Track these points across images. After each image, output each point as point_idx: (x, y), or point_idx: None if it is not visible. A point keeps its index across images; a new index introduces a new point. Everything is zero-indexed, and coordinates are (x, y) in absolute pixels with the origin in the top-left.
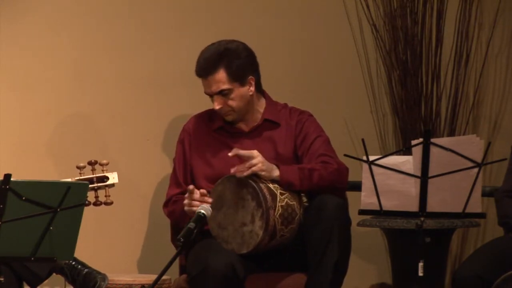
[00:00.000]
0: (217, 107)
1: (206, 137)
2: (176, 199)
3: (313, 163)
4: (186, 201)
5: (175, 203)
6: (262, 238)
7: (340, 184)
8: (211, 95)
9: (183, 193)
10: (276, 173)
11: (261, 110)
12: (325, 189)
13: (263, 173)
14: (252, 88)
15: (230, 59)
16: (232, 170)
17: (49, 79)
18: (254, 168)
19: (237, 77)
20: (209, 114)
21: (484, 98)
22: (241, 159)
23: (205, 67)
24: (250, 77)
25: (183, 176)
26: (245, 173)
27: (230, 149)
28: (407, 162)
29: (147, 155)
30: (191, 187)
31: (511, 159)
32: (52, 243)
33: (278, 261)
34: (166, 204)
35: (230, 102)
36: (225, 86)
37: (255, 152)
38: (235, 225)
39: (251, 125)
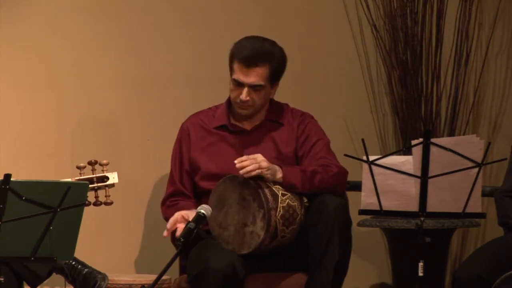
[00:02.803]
0: (245, 97)
1: (207, 135)
2: (170, 204)
3: (314, 166)
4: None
5: (169, 208)
6: (263, 239)
7: (340, 187)
8: (241, 84)
9: (178, 192)
10: (279, 175)
11: (265, 109)
12: (326, 191)
13: (268, 176)
14: (274, 92)
15: (275, 61)
16: (239, 168)
17: (49, 79)
18: (261, 170)
19: (273, 79)
20: (210, 113)
21: (484, 98)
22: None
23: (253, 57)
24: (277, 82)
25: (178, 175)
26: (253, 173)
27: (233, 147)
28: (407, 162)
29: (147, 155)
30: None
31: (511, 159)
32: (52, 243)
33: (279, 261)
34: (163, 203)
35: (256, 98)
36: (263, 82)
37: (259, 156)
38: (236, 225)
39: (254, 123)
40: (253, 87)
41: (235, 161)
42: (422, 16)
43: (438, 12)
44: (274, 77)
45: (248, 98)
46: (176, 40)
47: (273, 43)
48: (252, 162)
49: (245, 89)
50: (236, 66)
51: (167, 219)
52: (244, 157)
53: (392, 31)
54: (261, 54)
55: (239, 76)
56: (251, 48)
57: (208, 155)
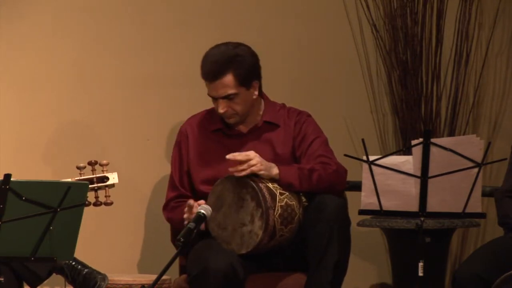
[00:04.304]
0: (221, 110)
1: (204, 139)
2: (174, 205)
3: (312, 164)
4: (185, 216)
5: (173, 210)
6: (261, 238)
7: (339, 185)
8: (215, 98)
9: (179, 196)
10: (275, 171)
11: (260, 111)
12: (324, 189)
13: (262, 172)
14: (256, 92)
15: (238, 64)
16: (231, 169)
17: (49, 79)
18: (253, 168)
19: (244, 82)
20: (207, 115)
21: (484, 98)
22: (240, 162)
23: (213, 71)
24: (255, 81)
25: (178, 179)
26: (243, 173)
27: (229, 150)
28: (407, 162)
29: (147, 155)
30: (191, 202)
31: (511, 159)
32: (52, 243)
33: (278, 261)
34: (165, 207)
35: (235, 106)
36: (232, 90)
37: (251, 153)
38: (234, 225)
39: (250, 126)
40: (226, 98)
41: (227, 156)
42: (422, 16)
43: (438, 12)
44: (245, 79)
45: (225, 109)
46: (176, 40)
47: (236, 46)
48: (245, 163)
49: (219, 102)
50: (205, 82)
51: (171, 221)
52: (237, 154)
53: (392, 31)
54: (220, 65)
55: (209, 91)
56: (210, 62)
57: (205, 159)
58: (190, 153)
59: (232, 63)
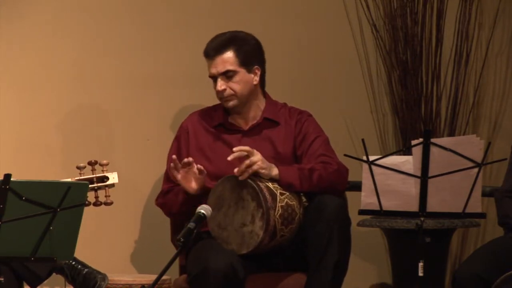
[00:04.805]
0: (219, 88)
1: (205, 134)
2: (166, 191)
3: (312, 163)
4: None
5: (165, 195)
6: (262, 239)
7: (340, 185)
8: (215, 77)
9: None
10: (275, 171)
11: (261, 108)
12: (325, 189)
13: (262, 171)
14: (257, 78)
15: (240, 43)
16: (235, 170)
17: (49, 79)
18: (254, 167)
19: (245, 62)
20: (209, 112)
21: (484, 98)
22: (241, 160)
23: (215, 47)
24: (256, 66)
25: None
26: (246, 175)
27: (229, 146)
28: (407, 162)
29: (147, 155)
30: (190, 159)
31: (511, 159)
32: (52, 243)
33: (278, 261)
34: (158, 198)
35: (234, 85)
36: (232, 67)
37: (253, 151)
38: (235, 225)
39: (251, 122)
40: (225, 75)
41: (234, 149)
42: (422, 16)
43: (438, 12)
44: (246, 60)
45: (223, 87)
46: (176, 40)
47: (237, 31)
48: (247, 164)
49: (218, 80)
50: (207, 63)
51: (163, 206)
52: (242, 147)
53: (392, 31)
54: (222, 42)
55: (210, 70)
56: (212, 42)
57: (205, 154)
58: (190, 148)
59: (233, 41)
